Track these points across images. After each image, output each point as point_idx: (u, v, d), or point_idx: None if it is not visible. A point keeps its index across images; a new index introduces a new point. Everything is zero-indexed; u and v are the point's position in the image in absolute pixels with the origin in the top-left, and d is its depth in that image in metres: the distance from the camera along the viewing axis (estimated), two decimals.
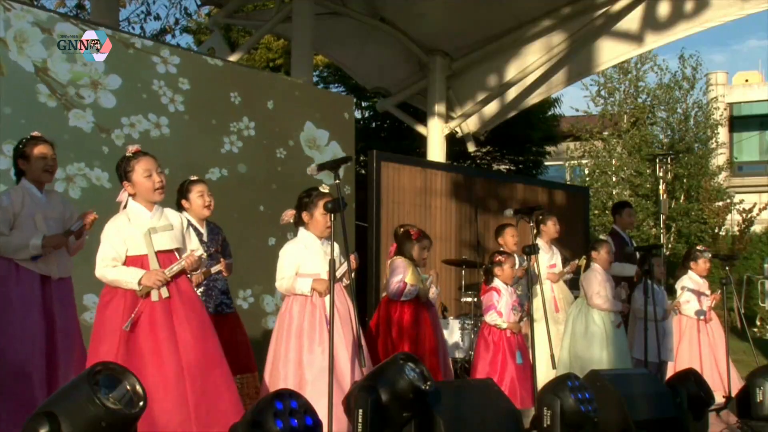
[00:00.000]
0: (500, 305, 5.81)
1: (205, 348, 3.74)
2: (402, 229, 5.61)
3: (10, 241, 4.02)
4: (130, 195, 3.83)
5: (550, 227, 6.91)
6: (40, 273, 4.08)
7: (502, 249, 6.43)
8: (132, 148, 3.88)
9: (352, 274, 4.19)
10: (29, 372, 3.92)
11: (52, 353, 4.03)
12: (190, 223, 4.75)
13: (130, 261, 3.72)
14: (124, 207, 3.86)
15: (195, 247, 3.97)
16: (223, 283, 4.96)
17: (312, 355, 4.15)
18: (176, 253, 3.87)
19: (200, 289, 4.74)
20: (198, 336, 3.73)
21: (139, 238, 3.74)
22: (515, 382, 5.65)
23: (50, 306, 4.09)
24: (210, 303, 4.82)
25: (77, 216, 4.22)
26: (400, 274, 5.34)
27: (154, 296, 3.68)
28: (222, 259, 4.88)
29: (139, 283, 3.65)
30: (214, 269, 4.78)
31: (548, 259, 6.78)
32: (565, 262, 7.05)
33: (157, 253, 3.77)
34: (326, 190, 4.40)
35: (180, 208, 4.83)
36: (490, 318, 5.81)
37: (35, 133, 4.30)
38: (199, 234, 4.80)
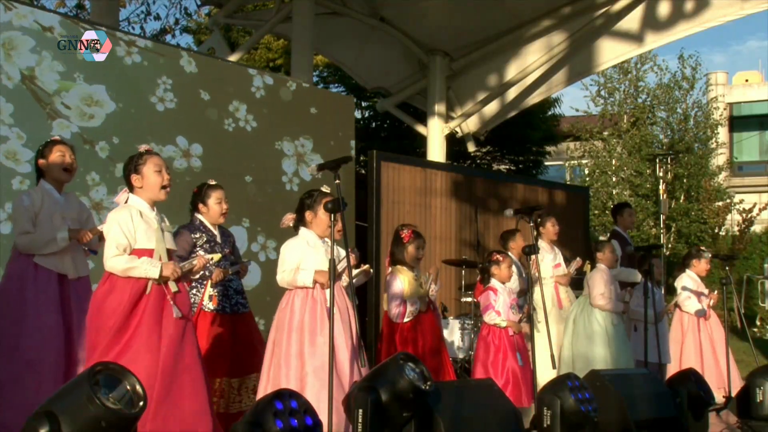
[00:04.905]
0: (498, 304, 5.80)
1: (181, 350, 3.72)
2: (396, 231, 5.59)
3: (36, 238, 4.14)
4: (136, 188, 3.81)
5: (549, 228, 6.91)
6: (57, 272, 4.17)
7: (501, 250, 6.43)
8: (144, 147, 3.93)
9: (353, 272, 4.19)
10: (41, 368, 4.01)
11: (70, 350, 4.12)
12: (203, 225, 4.81)
13: (135, 253, 3.71)
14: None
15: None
16: (238, 283, 5.00)
17: (314, 347, 4.15)
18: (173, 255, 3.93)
19: (217, 289, 4.81)
20: (179, 337, 3.72)
21: (149, 232, 3.75)
22: (515, 382, 5.64)
23: (68, 304, 4.18)
24: (227, 303, 4.87)
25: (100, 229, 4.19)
26: (398, 295, 5.29)
27: (173, 287, 3.71)
28: (242, 263, 5.00)
29: (160, 274, 3.67)
30: (232, 269, 4.87)
31: (552, 260, 6.79)
32: (565, 262, 7.04)
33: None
34: (328, 190, 4.42)
35: (195, 211, 4.94)
36: (489, 317, 5.80)
37: (55, 137, 4.46)
38: (212, 236, 4.91)
